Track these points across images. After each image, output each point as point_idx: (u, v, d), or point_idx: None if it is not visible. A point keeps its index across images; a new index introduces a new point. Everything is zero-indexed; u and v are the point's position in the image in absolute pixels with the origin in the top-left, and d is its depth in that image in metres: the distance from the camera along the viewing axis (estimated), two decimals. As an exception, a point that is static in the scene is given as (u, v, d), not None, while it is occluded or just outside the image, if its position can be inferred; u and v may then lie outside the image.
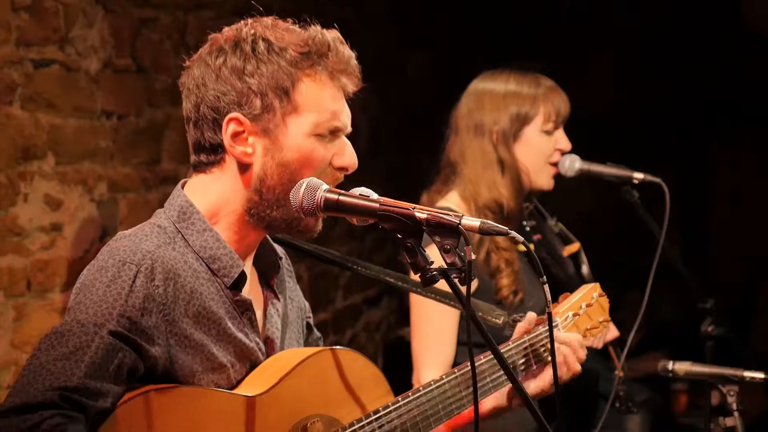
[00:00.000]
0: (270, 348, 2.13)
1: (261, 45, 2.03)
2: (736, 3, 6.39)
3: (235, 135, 2.03)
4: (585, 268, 3.41)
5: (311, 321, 2.36)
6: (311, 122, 2.04)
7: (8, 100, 3.35)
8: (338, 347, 2.18)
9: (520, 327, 2.49)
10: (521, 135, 3.22)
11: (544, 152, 3.24)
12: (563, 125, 3.27)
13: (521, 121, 3.21)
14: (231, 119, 2.03)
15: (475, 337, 2.00)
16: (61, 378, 1.80)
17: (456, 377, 2.27)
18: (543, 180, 3.26)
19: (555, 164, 3.27)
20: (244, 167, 2.05)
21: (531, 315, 2.50)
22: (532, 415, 1.98)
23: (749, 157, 6.56)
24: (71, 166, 3.61)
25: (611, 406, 3.29)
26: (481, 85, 3.27)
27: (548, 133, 3.23)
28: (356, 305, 5.73)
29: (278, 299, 2.20)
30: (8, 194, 3.35)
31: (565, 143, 3.26)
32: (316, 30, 2.07)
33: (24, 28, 3.39)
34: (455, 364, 3.16)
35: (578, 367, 2.47)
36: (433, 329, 3.14)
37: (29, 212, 3.43)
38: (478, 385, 2.29)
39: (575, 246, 3.41)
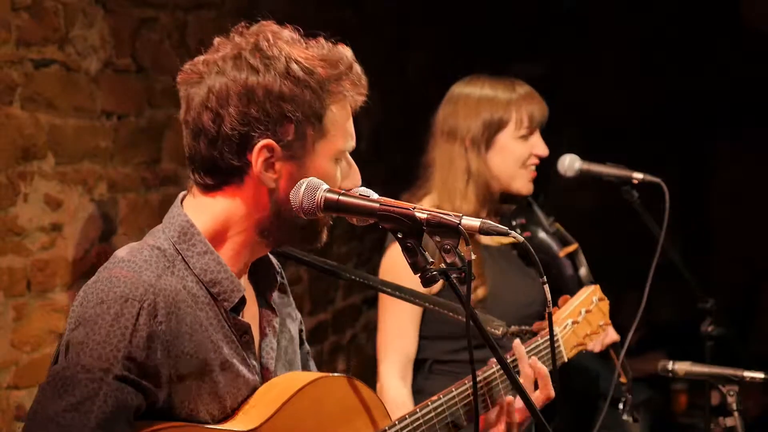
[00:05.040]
0: (266, 370, 2.09)
1: (294, 66, 1.94)
2: (736, 3, 6.40)
3: (265, 161, 1.96)
4: (584, 270, 3.40)
5: (303, 334, 2.32)
6: (336, 146, 2.00)
7: (8, 100, 3.35)
8: (334, 374, 2.16)
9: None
10: (495, 141, 3.20)
11: (519, 158, 3.22)
12: (540, 130, 3.25)
13: (494, 128, 3.19)
14: (264, 146, 1.95)
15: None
16: None
17: (453, 395, 2.23)
18: (519, 185, 3.24)
19: (533, 169, 3.25)
20: (263, 191, 1.98)
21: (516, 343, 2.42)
22: (532, 415, 1.99)
23: (749, 157, 6.56)
24: (71, 166, 3.61)
25: (614, 408, 3.29)
26: (457, 90, 3.27)
27: (523, 138, 3.22)
28: (356, 305, 5.73)
29: (275, 315, 2.15)
30: (8, 194, 3.35)
31: (542, 148, 3.24)
32: (335, 49, 2.01)
33: (24, 28, 3.39)
34: (417, 358, 3.18)
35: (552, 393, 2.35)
36: (394, 321, 3.16)
37: (29, 212, 3.43)
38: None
39: (573, 246, 3.41)
